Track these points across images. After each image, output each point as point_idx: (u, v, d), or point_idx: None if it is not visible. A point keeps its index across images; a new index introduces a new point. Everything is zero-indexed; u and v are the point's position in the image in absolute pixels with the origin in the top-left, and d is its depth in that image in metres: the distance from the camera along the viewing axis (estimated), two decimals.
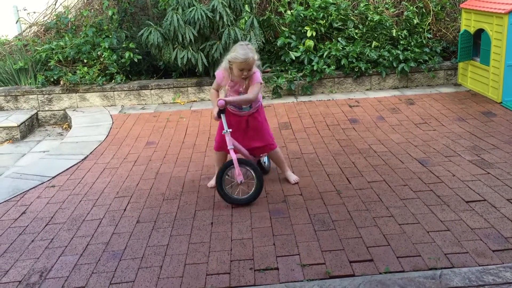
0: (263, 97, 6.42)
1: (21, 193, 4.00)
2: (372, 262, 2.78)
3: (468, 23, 6.13)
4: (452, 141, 4.57)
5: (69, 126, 6.12)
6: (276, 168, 4.08)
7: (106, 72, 6.55)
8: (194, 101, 6.51)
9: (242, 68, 3.46)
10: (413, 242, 2.94)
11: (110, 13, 6.81)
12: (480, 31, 5.92)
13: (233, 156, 3.50)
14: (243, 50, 3.43)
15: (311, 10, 6.58)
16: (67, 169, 4.46)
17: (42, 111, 6.46)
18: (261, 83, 3.59)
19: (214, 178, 3.82)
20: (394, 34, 6.61)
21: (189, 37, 6.08)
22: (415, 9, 6.79)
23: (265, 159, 4.07)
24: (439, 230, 3.06)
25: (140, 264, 2.90)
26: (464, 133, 4.78)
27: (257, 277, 2.71)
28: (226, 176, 3.58)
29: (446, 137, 4.69)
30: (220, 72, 3.64)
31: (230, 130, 3.54)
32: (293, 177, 3.89)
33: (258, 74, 3.57)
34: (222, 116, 3.56)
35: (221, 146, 3.75)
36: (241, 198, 3.56)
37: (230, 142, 3.53)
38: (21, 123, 5.94)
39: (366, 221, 3.23)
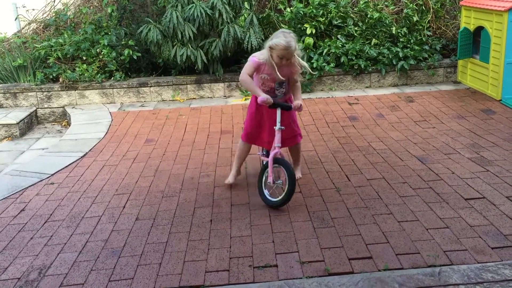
0: None
1: (20, 190, 4.00)
2: (371, 260, 2.78)
3: (467, 21, 6.12)
4: (451, 139, 4.57)
5: (68, 124, 6.12)
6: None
7: (105, 69, 6.54)
8: (194, 98, 6.50)
9: (283, 56, 3.31)
10: (412, 240, 2.95)
11: (109, 10, 6.79)
12: (479, 29, 5.91)
13: (271, 155, 3.40)
14: (286, 38, 3.30)
15: (311, 7, 6.57)
16: (66, 167, 4.46)
17: (41, 108, 6.45)
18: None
19: (233, 174, 3.80)
20: (393, 32, 6.60)
21: (189, 34, 6.07)
22: (414, 6, 6.78)
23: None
24: (438, 228, 3.06)
25: (139, 261, 2.90)
26: (463, 130, 4.78)
27: (256, 274, 2.71)
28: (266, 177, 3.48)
29: (446, 135, 4.69)
30: (255, 58, 3.41)
31: (283, 128, 3.43)
32: (299, 174, 3.88)
33: (302, 64, 3.49)
34: (278, 111, 3.40)
35: (250, 137, 3.68)
36: (274, 200, 3.42)
37: (279, 140, 3.41)
38: (20, 121, 5.93)
39: (365, 219, 3.23)
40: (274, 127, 3.43)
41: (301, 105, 3.48)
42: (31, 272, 2.86)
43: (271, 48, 3.35)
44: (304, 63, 3.51)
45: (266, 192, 3.49)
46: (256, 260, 2.84)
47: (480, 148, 4.32)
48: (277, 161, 3.41)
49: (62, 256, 3.01)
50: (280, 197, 3.38)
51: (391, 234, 3.02)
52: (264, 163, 3.60)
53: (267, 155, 3.65)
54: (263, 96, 3.34)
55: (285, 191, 3.35)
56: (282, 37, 3.31)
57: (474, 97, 5.84)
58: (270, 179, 3.41)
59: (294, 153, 3.87)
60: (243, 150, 3.78)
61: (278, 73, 3.38)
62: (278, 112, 3.41)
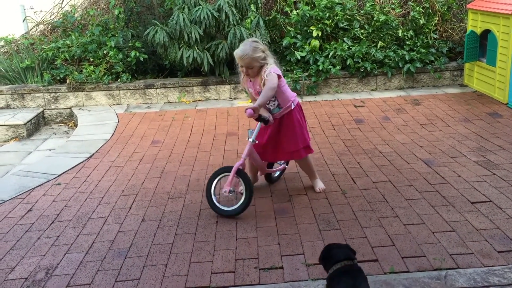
0: None
1: (27, 191, 4.02)
2: (377, 262, 2.78)
3: (474, 24, 6.11)
4: (457, 142, 4.56)
5: (75, 125, 6.15)
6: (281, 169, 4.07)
7: (112, 71, 6.57)
8: (200, 100, 6.52)
9: (241, 65, 3.33)
10: (418, 243, 2.94)
11: (116, 12, 6.83)
12: (486, 32, 5.90)
13: (235, 165, 3.35)
14: (243, 46, 3.30)
15: (317, 10, 6.58)
16: (73, 167, 4.48)
17: (48, 109, 6.49)
18: (277, 74, 3.29)
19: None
20: (400, 35, 6.60)
21: (195, 36, 6.09)
22: (421, 9, 6.77)
23: (277, 172, 3.89)
24: (444, 231, 3.06)
25: (145, 262, 2.92)
26: (470, 134, 4.77)
27: (262, 276, 2.72)
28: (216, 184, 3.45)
29: (452, 138, 4.68)
30: (240, 77, 3.53)
31: (257, 141, 3.42)
32: (319, 185, 3.71)
33: (271, 68, 3.31)
34: (258, 124, 3.41)
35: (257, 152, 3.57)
36: (226, 209, 3.39)
37: (247, 152, 3.39)
38: (28, 121, 5.97)
39: (371, 221, 3.23)
40: (248, 138, 3.42)
41: (248, 111, 3.22)
42: (38, 272, 2.87)
43: (236, 60, 3.38)
44: (270, 67, 3.30)
45: (214, 198, 3.42)
46: (262, 262, 2.84)
47: (486, 151, 4.30)
48: (239, 172, 3.36)
49: (69, 256, 3.02)
50: (231, 208, 3.37)
51: (397, 237, 3.02)
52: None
53: (269, 166, 3.74)
54: (248, 110, 3.23)
55: (238, 204, 3.35)
56: (240, 46, 3.31)
57: (481, 100, 5.82)
58: (226, 188, 3.33)
59: (303, 168, 3.75)
60: (250, 164, 3.74)
61: (250, 89, 3.45)
62: (258, 125, 3.41)
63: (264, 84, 3.31)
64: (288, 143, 3.51)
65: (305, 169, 3.75)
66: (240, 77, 3.55)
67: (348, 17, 6.70)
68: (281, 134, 3.51)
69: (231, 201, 3.44)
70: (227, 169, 3.43)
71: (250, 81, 3.45)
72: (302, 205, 3.51)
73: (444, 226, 3.11)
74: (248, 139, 3.41)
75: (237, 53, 3.32)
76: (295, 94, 3.60)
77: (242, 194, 3.37)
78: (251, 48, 3.28)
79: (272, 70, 3.31)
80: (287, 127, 3.49)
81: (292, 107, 3.51)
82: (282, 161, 3.87)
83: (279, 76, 3.33)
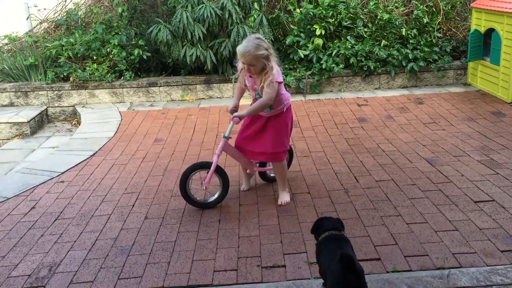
0: None
1: (30, 188, 4.04)
2: (380, 261, 2.77)
3: (478, 23, 6.09)
4: (461, 141, 4.55)
5: (78, 122, 6.17)
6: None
7: (115, 69, 6.58)
8: (203, 98, 6.52)
9: (243, 62, 3.22)
10: (421, 242, 2.94)
11: (119, 10, 6.83)
12: (490, 31, 5.88)
13: (214, 161, 3.39)
14: (245, 42, 3.21)
15: (320, 8, 6.57)
16: (76, 165, 4.50)
17: (51, 107, 6.51)
18: (278, 82, 3.24)
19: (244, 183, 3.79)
20: (403, 33, 6.58)
21: (198, 34, 6.10)
22: (425, 8, 6.75)
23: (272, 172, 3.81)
24: (447, 230, 3.05)
25: (148, 259, 2.92)
26: (473, 133, 4.76)
27: (264, 274, 2.72)
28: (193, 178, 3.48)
29: (455, 137, 4.66)
30: (239, 63, 3.38)
31: (230, 137, 3.41)
32: (284, 198, 3.51)
33: (274, 72, 3.22)
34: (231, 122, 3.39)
35: (237, 145, 3.56)
36: (203, 201, 3.51)
37: (221, 148, 3.39)
38: (31, 119, 5.99)
39: (373, 220, 3.22)
40: (223, 134, 3.43)
41: (234, 119, 3.23)
42: (41, 269, 2.89)
43: (238, 57, 3.29)
44: (274, 71, 3.22)
45: (188, 191, 3.47)
46: (264, 260, 2.85)
47: (490, 150, 4.29)
48: (218, 170, 3.45)
49: (72, 253, 3.03)
50: (206, 200, 3.52)
51: (400, 236, 3.01)
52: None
53: (260, 165, 3.72)
54: (229, 107, 3.42)
55: (213, 197, 3.51)
56: (243, 43, 3.23)
57: (484, 99, 5.81)
58: (205, 185, 3.43)
59: (276, 173, 3.57)
60: (235, 156, 3.67)
61: (246, 82, 3.40)
62: (231, 123, 3.37)
63: (261, 88, 3.25)
64: (268, 143, 3.41)
65: (278, 176, 3.54)
66: (238, 69, 3.41)
67: (351, 15, 6.69)
68: (264, 133, 3.43)
69: (204, 194, 3.54)
70: (205, 164, 3.47)
71: (250, 76, 3.37)
72: (305, 203, 3.51)
73: (447, 225, 3.11)
74: (223, 135, 3.42)
75: (239, 49, 3.21)
76: (289, 95, 3.51)
77: (217, 188, 3.52)
78: (254, 45, 3.17)
79: (275, 78, 3.22)
80: (272, 128, 3.41)
81: (284, 110, 3.44)
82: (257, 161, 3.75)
83: (279, 82, 3.28)
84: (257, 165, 3.70)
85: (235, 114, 3.28)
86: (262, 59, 3.19)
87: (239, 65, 3.36)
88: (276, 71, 3.25)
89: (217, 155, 3.41)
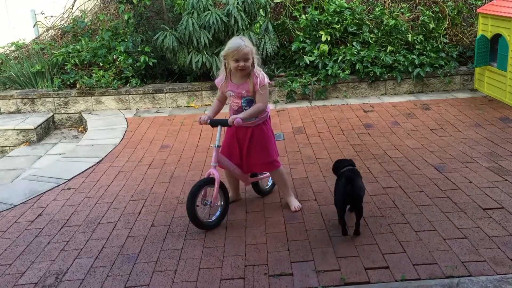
0: (277, 102, 6.42)
1: (37, 195, 4.04)
2: (388, 269, 2.75)
3: (485, 28, 6.06)
4: (468, 147, 4.52)
5: (85, 129, 6.18)
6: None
7: (122, 75, 6.60)
8: (208, 104, 6.52)
9: (237, 58, 3.15)
10: (429, 250, 2.91)
11: (126, 17, 6.86)
12: (497, 36, 5.85)
13: (216, 175, 3.24)
14: (234, 40, 3.20)
15: (326, 14, 6.57)
16: (82, 172, 4.50)
17: (58, 114, 6.53)
18: (269, 83, 3.28)
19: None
20: (409, 39, 6.57)
21: (204, 41, 6.11)
22: (431, 13, 6.74)
23: (269, 181, 3.79)
24: (456, 238, 3.02)
25: (155, 267, 2.91)
26: (481, 139, 4.72)
27: (272, 282, 2.70)
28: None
29: (463, 143, 4.63)
30: (218, 78, 3.39)
31: (220, 146, 3.33)
32: (295, 204, 3.51)
33: (261, 75, 3.24)
34: (219, 128, 3.30)
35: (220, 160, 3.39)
36: (206, 222, 3.30)
37: (215, 158, 3.28)
38: (38, 126, 6.01)
39: (381, 228, 3.20)
40: (212, 144, 3.33)
41: (236, 120, 3.14)
42: (48, 277, 2.88)
43: (225, 57, 3.23)
44: (261, 73, 3.25)
45: (196, 210, 3.25)
46: (272, 268, 2.83)
47: (498, 157, 4.26)
48: (212, 181, 3.26)
49: (79, 261, 3.03)
50: (212, 219, 3.32)
51: (408, 244, 2.99)
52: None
53: (252, 176, 3.61)
54: (202, 117, 3.28)
55: (214, 217, 3.31)
56: (231, 41, 3.22)
57: (492, 105, 5.77)
58: (215, 200, 3.27)
59: (276, 181, 3.55)
60: (226, 174, 3.63)
61: (230, 91, 3.29)
62: (219, 129, 3.30)
63: (253, 90, 3.23)
64: (262, 154, 3.38)
65: (280, 183, 3.53)
66: (218, 77, 3.38)
67: (357, 21, 6.69)
68: (254, 145, 3.37)
69: (206, 214, 3.35)
70: (209, 180, 3.28)
71: (231, 82, 3.30)
72: (312, 211, 3.49)
73: (455, 233, 3.08)
74: (212, 146, 3.32)
75: (233, 44, 3.15)
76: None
77: (217, 207, 3.33)
78: (241, 38, 3.20)
79: (264, 77, 3.24)
80: (261, 138, 3.36)
81: (267, 118, 3.42)
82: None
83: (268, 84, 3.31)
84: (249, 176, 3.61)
85: (234, 116, 3.20)
86: (253, 54, 3.19)
87: (220, 74, 3.35)
88: (262, 72, 3.28)
89: (213, 167, 3.29)
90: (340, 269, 2.77)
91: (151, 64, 6.54)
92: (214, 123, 3.34)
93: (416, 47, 6.58)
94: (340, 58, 6.40)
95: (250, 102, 3.31)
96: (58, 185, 4.23)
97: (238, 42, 3.17)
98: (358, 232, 3.09)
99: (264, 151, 3.39)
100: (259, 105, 3.26)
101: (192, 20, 6.09)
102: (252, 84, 3.25)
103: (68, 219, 3.60)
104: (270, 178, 3.77)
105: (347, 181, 3.00)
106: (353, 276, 2.71)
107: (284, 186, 3.54)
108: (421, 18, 6.72)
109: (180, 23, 6.23)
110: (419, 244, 2.98)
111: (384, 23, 6.66)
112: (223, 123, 3.29)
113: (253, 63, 3.23)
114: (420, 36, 6.63)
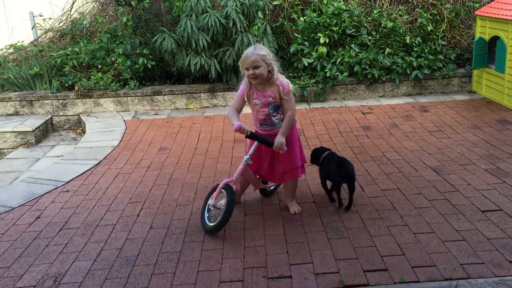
0: None
1: (35, 198, 4.03)
2: (387, 272, 2.75)
3: (483, 30, 6.08)
4: (467, 149, 4.53)
5: (83, 131, 6.18)
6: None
7: (120, 77, 6.60)
8: (207, 107, 6.53)
9: (246, 66, 3.16)
10: (428, 252, 2.91)
11: (124, 19, 6.87)
12: (495, 38, 5.87)
13: (228, 183, 3.25)
14: (248, 48, 3.22)
15: (324, 16, 6.58)
16: (81, 174, 4.49)
17: (56, 116, 6.53)
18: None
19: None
20: (407, 41, 6.58)
21: (203, 43, 6.11)
22: (429, 16, 6.76)
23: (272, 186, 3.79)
24: (454, 240, 3.03)
25: (153, 270, 2.91)
26: (479, 141, 4.73)
27: (270, 285, 2.70)
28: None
29: (461, 145, 4.64)
30: (241, 87, 3.35)
31: (251, 162, 3.26)
32: (295, 207, 3.51)
33: (285, 81, 3.24)
34: (255, 144, 3.24)
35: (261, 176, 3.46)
36: (209, 225, 3.28)
37: (241, 171, 3.25)
38: (36, 128, 6.00)
39: (380, 230, 3.20)
40: (244, 159, 3.25)
41: (281, 144, 3.12)
42: (46, 280, 2.87)
43: (241, 67, 3.24)
44: (284, 80, 3.25)
45: (206, 215, 3.32)
46: (270, 270, 2.83)
47: (496, 159, 4.27)
48: (227, 188, 3.24)
49: (77, 264, 3.02)
50: (212, 224, 3.26)
51: (407, 246, 2.99)
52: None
53: (263, 182, 3.64)
54: (236, 124, 3.07)
55: (217, 220, 3.22)
56: (245, 50, 3.23)
57: (490, 107, 5.78)
58: (211, 201, 3.30)
59: (289, 187, 3.51)
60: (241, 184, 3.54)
61: (256, 100, 3.25)
62: (255, 145, 3.26)
63: (280, 97, 3.21)
64: (285, 161, 3.34)
65: (290, 189, 3.51)
66: (241, 86, 3.34)
67: (355, 23, 6.70)
68: (278, 153, 3.28)
69: (214, 217, 3.33)
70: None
71: (257, 90, 3.27)
72: (311, 213, 3.49)
73: (454, 235, 3.08)
74: (245, 161, 3.26)
75: (242, 56, 3.22)
76: None
77: (220, 210, 3.24)
78: (254, 47, 3.21)
79: (286, 82, 3.24)
80: (287, 144, 3.25)
81: (295, 122, 3.40)
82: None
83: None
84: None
85: (280, 141, 3.13)
86: (266, 60, 3.16)
87: (242, 84, 3.33)
88: (284, 79, 3.27)
89: (235, 177, 3.26)
90: (339, 272, 2.77)
91: (149, 66, 6.53)
92: (254, 138, 3.25)
93: (414, 49, 6.59)
94: (338, 60, 6.41)
95: (277, 108, 3.28)
96: (56, 188, 4.22)
97: (247, 50, 3.20)
98: (350, 207, 3.46)
99: (288, 159, 3.35)
100: (289, 114, 3.24)
101: (190, 22, 6.10)
102: (278, 92, 3.23)
103: (66, 222, 3.59)
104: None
105: (341, 164, 3.42)
106: (352, 278, 2.71)
107: (293, 192, 3.55)
108: (419, 20, 6.74)
109: (178, 25, 6.23)
110: (418, 247, 2.98)
111: (382, 25, 6.67)
112: (267, 143, 3.22)
113: (271, 70, 3.19)
114: (418, 38, 6.65)
